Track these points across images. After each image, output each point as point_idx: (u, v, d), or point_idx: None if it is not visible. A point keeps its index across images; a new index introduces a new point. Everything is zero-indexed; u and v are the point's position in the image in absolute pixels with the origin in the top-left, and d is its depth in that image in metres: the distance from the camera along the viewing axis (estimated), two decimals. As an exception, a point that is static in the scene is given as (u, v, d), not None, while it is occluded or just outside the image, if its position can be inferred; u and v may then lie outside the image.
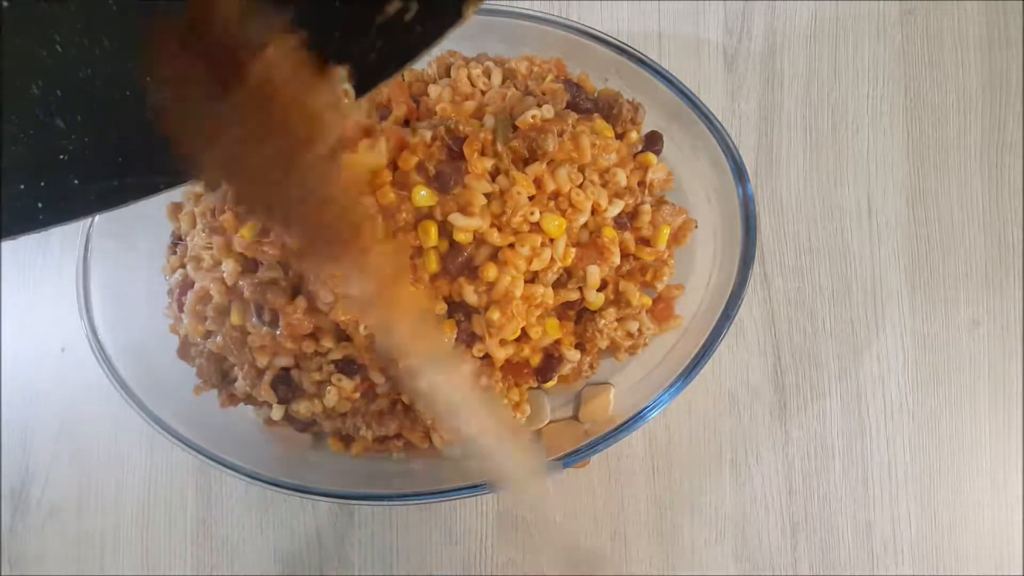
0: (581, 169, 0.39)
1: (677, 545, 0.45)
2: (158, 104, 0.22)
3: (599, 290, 0.40)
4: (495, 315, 0.37)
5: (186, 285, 0.41)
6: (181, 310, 0.41)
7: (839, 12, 0.50)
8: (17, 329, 0.48)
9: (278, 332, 0.37)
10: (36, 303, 0.48)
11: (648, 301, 0.42)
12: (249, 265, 0.39)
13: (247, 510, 0.46)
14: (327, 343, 0.38)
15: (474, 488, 0.38)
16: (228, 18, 0.20)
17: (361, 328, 0.37)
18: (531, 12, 0.42)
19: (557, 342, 0.41)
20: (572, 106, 0.41)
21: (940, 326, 0.47)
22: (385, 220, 0.36)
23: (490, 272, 0.37)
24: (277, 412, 0.41)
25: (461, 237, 0.37)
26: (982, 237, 0.48)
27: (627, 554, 0.45)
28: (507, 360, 0.39)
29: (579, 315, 0.41)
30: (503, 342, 0.38)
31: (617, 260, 0.40)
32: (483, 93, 0.42)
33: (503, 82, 0.43)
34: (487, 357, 0.39)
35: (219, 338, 0.39)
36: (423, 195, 0.37)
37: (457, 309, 0.38)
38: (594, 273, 0.39)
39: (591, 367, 0.42)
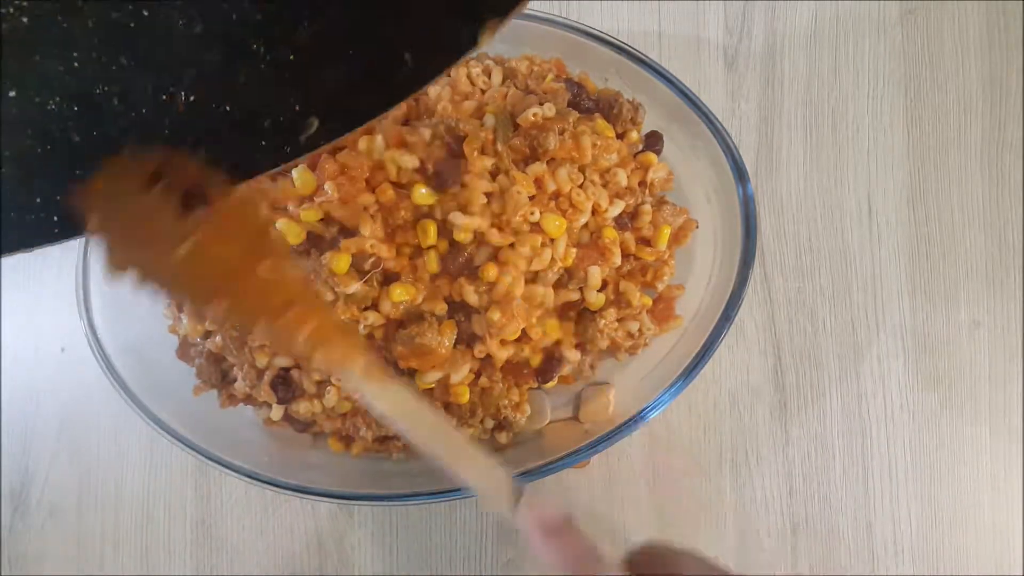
0: (582, 169, 0.39)
1: (677, 545, 0.45)
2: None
3: (599, 290, 0.40)
4: (495, 315, 0.37)
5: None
6: (180, 310, 0.41)
7: (839, 12, 0.49)
8: (17, 329, 0.48)
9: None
10: (36, 303, 0.48)
11: (648, 301, 0.42)
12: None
13: (247, 510, 0.46)
14: (327, 343, 0.38)
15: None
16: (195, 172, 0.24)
17: (361, 328, 0.37)
18: (531, 12, 0.42)
19: (557, 342, 0.41)
20: (573, 105, 0.41)
21: (940, 326, 0.47)
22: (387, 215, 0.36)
23: (490, 272, 0.37)
24: (277, 412, 0.41)
25: (461, 236, 0.37)
26: (982, 237, 0.48)
27: (627, 554, 0.45)
28: (507, 360, 0.39)
29: (579, 315, 0.41)
30: (504, 342, 0.38)
31: (618, 261, 0.40)
32: (483, 92, 0.42)
33: (503, 81, 0.43)
34: (488, 358, 0.39)
35: (218, 338, 0.39)
36: (423, 193, 0.37)
37: (457, 309, 0.38)
38: (595, 274, 0.39)
39: (591, 367, 0.42)
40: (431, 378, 0.38)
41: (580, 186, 0.39)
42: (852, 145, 0.48)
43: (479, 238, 0.37)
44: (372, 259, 0.37)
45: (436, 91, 0.41)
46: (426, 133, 0.38)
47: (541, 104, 0.39)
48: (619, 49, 0.42)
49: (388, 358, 0.39)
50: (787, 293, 0.47)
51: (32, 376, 0.48)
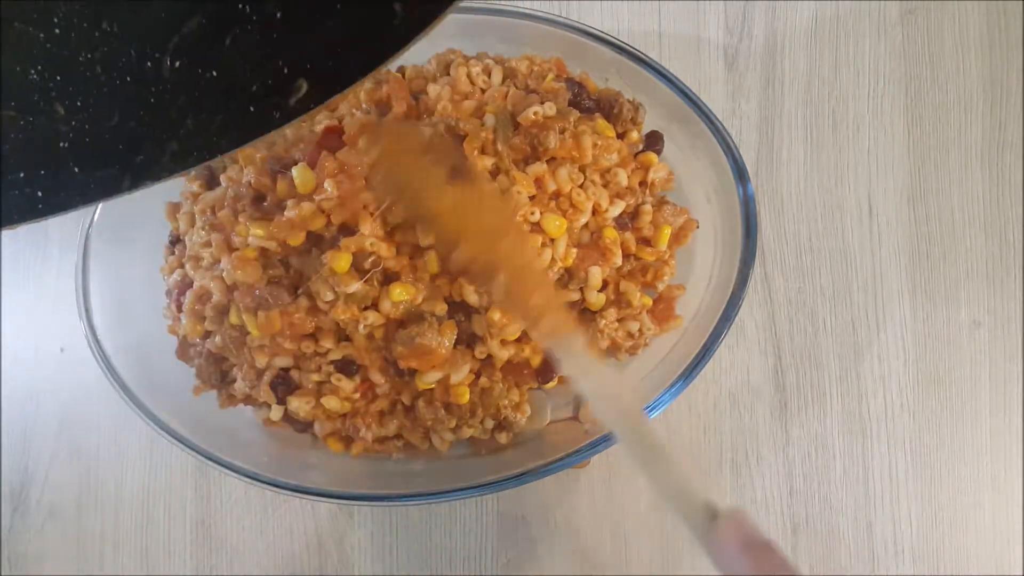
0: (582, 169, 0.39)
1: (677, 545, 0.45)
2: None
3: (600, 290, 0.40)
4: (496, 315, 0.37)
5: (184, 285, 0.41)
6: (180, 310, 0.41)
7: (840, 12, 0.49)
8: (17, 329, 0.48)
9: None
10: (36, 303, 0.48)
11: (649, 301, 0.42)
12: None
13: (247, 510, 0.46)
14: (327, 343, 0.38)
15: (474, 488, 0.38)
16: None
17: (361, 327, 0.37)
18: (531, 12, 0.42)
19: (558, 342, 0.41)
20: (574, 105, 0.41)
21: (941, 326, 0.47)
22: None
23: (491, 272, 0.37)
24: (276, 413, 0.41)
25: (462, 236, 0.37)
26: (983, 237, 0.48)
27: (627, 554, 0.45)
28: (507, 361, 0.39)
29: (580, 315, 0.41)
30: (504, 342, 0.38)
31: (619, 261, 0.39)
32: (483, 92, 0.42)
33: (503, 81, 0.42)
34: (488, 358, 0.39)
35: (218, 338, 0.39)
36: (423, 194, 0.37)
37: (458, 309, 0.38)
38: (596, 274, 0.39)
39: (591, 367, 0.42)
40: (431, 378, 0.38)
41: (580, 186, 0.39)
42: (852, 145, 0.48)
43: (479, 238, 0.37)
44: (372, 258, 0.37)
45: (436, 90, 0.41)
46: (426, 132, 0.38)
47: (542, 103, 0.39)
48: (619, 49, 0.42)
49: (388, 358, 0.39)
50: (787, 293, 0.47)
51: (32, 376, 0.48)
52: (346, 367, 0.39)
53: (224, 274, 0.38)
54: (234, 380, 0.41)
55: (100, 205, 0.40)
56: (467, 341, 0.39)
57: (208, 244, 0.40)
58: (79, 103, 0.22)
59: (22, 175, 0.23)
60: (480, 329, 0.38)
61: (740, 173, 0.40)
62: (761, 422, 0.46)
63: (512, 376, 0.40)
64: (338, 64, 0.23)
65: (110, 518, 0.46)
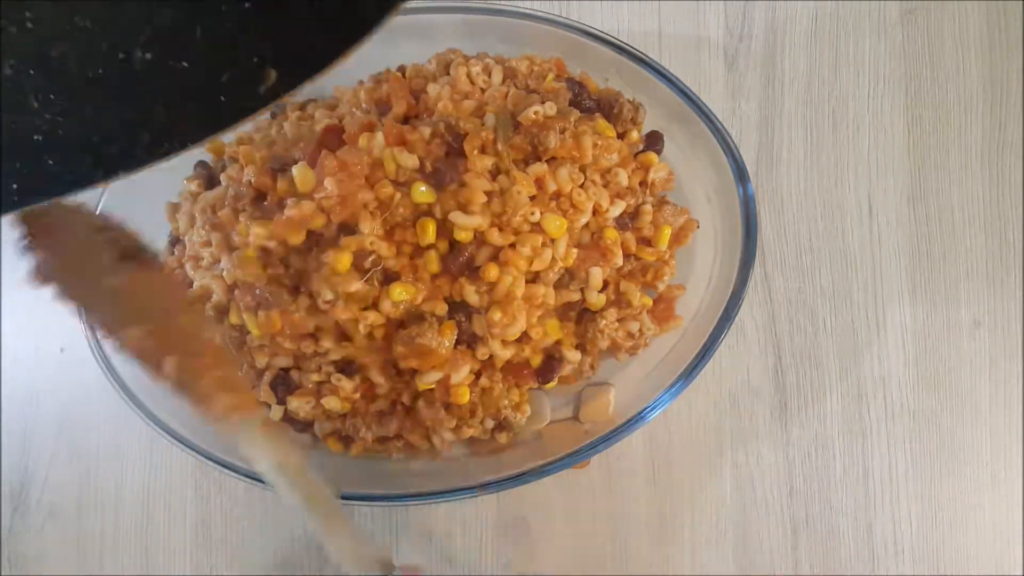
0: (582, 169, 0.39)
1: (677, 545, 0.45)
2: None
3: (600, 291, 0.40)
4: (496, 315, 0.37)
5: (184, 285, 0.41)
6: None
7: (840, 11, 0.49)
8: (17, 329, 0.48)
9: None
10: (36, 303, 0.48)
11: (649, 301, 0.42)
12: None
13: (247, 510, 0.46)
14: (327, 343, 0.38)
15: (474, 488, 0.38)
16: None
17: (361, 327, 0.37)
18: (531, 12, 0.42)
19: (558, 343, 0.41)
20: (574, 105, 0.41)
21: (941, 326, 0.47)
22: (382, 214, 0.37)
23: (491, 272, 0.37)
24: (276, 412, 0.41)
25: (462, 236, 0.37)
26: (983, 237, 0.48)
27: (627, 554, 0.45)
28: (508, 361, 0.39)
29: (580, 315, 0.41)
30: (504, 343, 0.38)
31: (620, 262, 0.40)
32: (483, 91, 0.42)
33: (503, 81, 0.42)
34: (489, 358, 0.39)
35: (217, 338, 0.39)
36: (422, 191, 0.37)
37: (458, 309, 0.38)
38: (596, 275, 0.39)
39: (591, 368, 0.42)
40: (431, 378, 0.38)
41: (581, 186, 0.39)
42: (852, 145, 0.48)
43: (480, 238, 0.37)
44: (372, 257, 0.37)
45: (436, 89, 0.41)
46: (426, 131, 0.38)
47: (543, 103, 0.39)
48: (619, 49, 0.42)
49: (388, 358, 0.39)
50: (787, 293, 0.47)
51: (32, 376, 0.48)
52: (346, 367, 0.39)
53: (224, 273, 0.38)
54: (234, 380, 0.41)
55: (100, 204, 0.40)
56: (467, 341, 0.39)
57: (208, 244, 0.40)
58: (52, 96, 0.23)
59: None
60: (480, 329, 0.38)
61: (740, 173, 0.40)
62: (761, 422, 0.46)
63: (512, 376, 0.40)
64: (305, 51, 0.23)
65: (110, 518, 0.46)
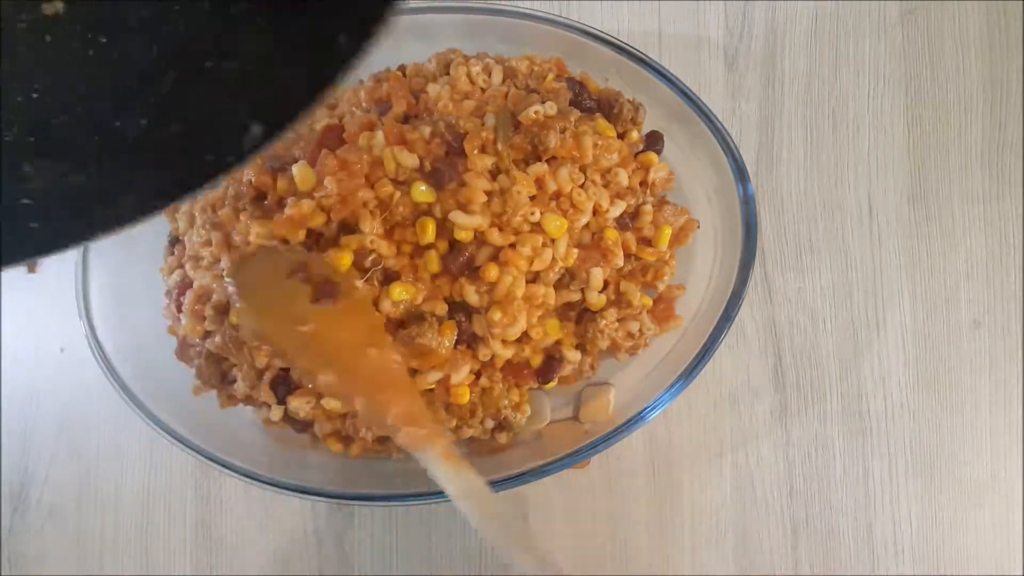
0: (583, 169, 0.39)
1: (677, 545, 0.45)
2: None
3: (600, 291, 0.40)
4: (496, 315, 0.37)
5: (184, 285, 0.41)
6: (179, 310, 0.41)
7: (840, 11, 0.49)
8: (17, 329, 0.48)
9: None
10: (36, 303, 0.48)
11: (649, 301, 0.42)
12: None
13: (247, 510, 0.46)
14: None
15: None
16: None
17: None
18: (531, 12, 0.42)
19: (558, 343, 0.41)
20: (575, 104, 0.41)
21: (940, 326, 0.47)
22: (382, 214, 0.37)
23: (491, 272, 0.37)
24: (276, 413, 0.41)
25: (462, 236, 0.37)
26: (982, 237, 0.48)
27: (627, 554, 0.45)
28: (508, 361, 0.39)
29: (580, 315, 0.41)
30: (505, 343, 0.38)
31: (620, 262, 0.39)
32: (483, 91, 0.42)
33: (503, 81, 0.43)
34: (491, 359, 0.39)
35: (218, 338, 0.39)
36: (422, 191, 0.37)
37: (458, 309, 0.38)
38: (597, 275, 0.39)
39: (592, 368, 0.42)
40: (431, 378, 0.38)
41: (581, 186, 0.39)
42: (852, 145, 0.48)
43: (480, 238, 0.37)
44: (372, 256, 0.37)
45: (436, 89, 0.41)
46: (426, 131, 0.38)
47: (543, 103, 0.39)
48: (619, 49, 0.42)
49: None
50: (787, 293, 0.47)
51: (32, 376, 0.48)
52: (346, 367, 0.39)
53: (224, 273, 0.38)
54: (234, 380, 0.41)
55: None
56: (467, 341, 0.39)
57: (208, 243, 0.40)
58: (47, 163, 0.23)
59: None
60: (480, 329, 0.38)
61: (740, 173, 0.40)
62: (761, 422, 0.46)
63: (512, 376, 0.40)
64: (288, 103, 0.23)
65: (110, 518, 0.46)
